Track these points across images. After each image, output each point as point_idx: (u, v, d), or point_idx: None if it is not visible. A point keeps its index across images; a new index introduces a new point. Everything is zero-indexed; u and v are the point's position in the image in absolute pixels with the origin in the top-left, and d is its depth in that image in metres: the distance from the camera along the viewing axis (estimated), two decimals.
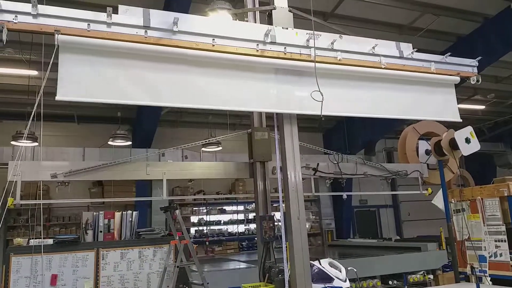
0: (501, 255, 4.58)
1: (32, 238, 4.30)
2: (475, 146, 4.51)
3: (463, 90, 10.74)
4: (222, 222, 11.94)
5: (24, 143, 6.52)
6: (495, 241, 4.63)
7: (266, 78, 3.13)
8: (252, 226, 11.85)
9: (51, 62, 2.53)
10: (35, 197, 6.51)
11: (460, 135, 4.64)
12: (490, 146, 14.05)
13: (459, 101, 13.57)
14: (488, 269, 4.66)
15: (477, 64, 3.75)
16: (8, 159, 4.11)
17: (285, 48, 3.13)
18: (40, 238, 4.15)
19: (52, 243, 4.20)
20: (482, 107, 12.58)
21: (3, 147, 7.26)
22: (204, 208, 11.61)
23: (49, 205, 10.05)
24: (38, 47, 6.62)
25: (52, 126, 10.28)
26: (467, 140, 4.53)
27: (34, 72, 7.69)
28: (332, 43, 3.25)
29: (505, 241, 4.54)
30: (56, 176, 3.90)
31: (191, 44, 2.85)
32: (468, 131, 4.52)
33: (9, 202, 2.81)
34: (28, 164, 3.94)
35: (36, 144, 6.77)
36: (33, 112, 2.62)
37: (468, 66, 3.75)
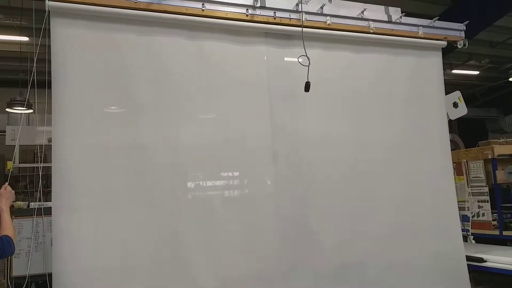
0: (483, 214, 4.78)
1: (32, 202, 4.44)
2: (462, 110, 4.57)
3: (458, 56, 10.68)
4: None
5: (20, 110, 6.56)
6: (478, 201, 4.82)
7: (256, 41, 3.18)
8: None
9: (42, 28, 2.57)
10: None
11: (448, 100, 4.71)
12: (483, 111, 14.11)
13: (454, 66, 13.17)
14: (471, 228, 4.87)
15: (465, 28, 3.78)
16: (3, 127, 4.18)
17: (274, 12, 3.15)
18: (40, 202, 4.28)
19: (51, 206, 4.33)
20: (477, 72, 12.56)
21: None
22: None
23: (47, 172, 10.15)
24: (28, 12, 6.53)
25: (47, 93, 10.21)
26: (455, 105, 4.59)
27: (25, 38, 7.59)
28: (322, 8, 3.28)
29: (487, 201, 4.73)
30: None
31: (180, 9, 2.87)
32: (457, 95, 4.57)
33: (8, 165, 2.91)
34: (25, 128, 4.03)
35: (31, 111, 6.81)
36: (30, 80, 2.69)
37: (456, 30, 3.78)
